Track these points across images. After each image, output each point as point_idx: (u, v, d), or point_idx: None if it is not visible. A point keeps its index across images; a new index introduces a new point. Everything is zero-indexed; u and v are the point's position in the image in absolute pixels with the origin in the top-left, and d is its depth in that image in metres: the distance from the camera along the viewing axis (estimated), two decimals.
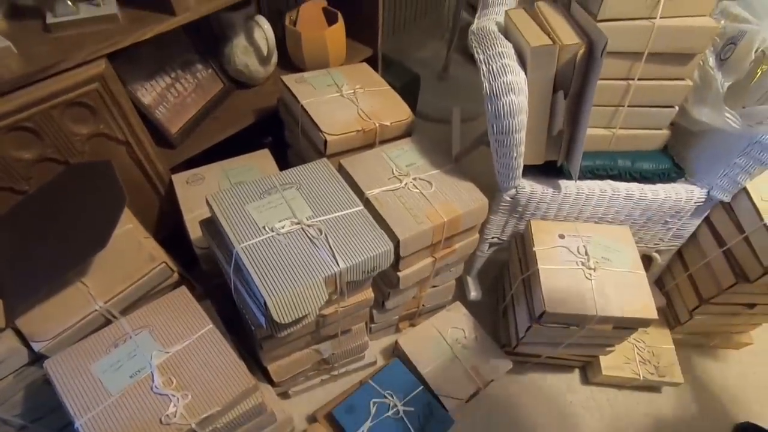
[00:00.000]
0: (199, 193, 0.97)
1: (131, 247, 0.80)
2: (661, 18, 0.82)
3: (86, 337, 0.73)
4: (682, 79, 0.91)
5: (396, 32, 1.83)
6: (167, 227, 1.06)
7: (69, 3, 0.75)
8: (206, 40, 1.09)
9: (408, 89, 1.35)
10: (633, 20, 0.82)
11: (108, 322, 0.77)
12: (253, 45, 1.06)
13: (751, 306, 1.10)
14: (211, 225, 0.80)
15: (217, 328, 0.78)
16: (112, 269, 0.78)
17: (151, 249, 0.81)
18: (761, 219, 0.96)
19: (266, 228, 0.74)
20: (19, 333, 0.72)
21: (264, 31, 1.02)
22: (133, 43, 0.78)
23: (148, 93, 0.95)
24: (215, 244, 0.79)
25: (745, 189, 0.99)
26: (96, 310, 0.75)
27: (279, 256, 0.71)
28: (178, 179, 1.00)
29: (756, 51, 0.84)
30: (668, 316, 1.24)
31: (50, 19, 0.76)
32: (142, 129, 0.89)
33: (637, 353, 1.17)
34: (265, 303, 0.68)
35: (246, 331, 0.90)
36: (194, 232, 0.92)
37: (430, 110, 1.68)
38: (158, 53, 0.97)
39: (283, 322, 0.70)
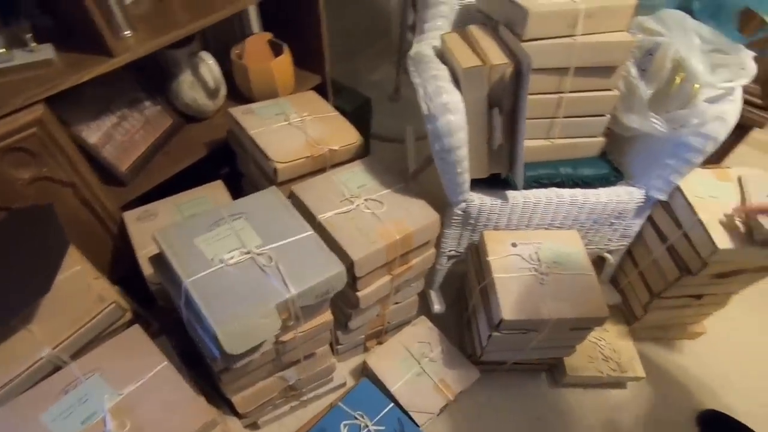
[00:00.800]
0: (151, 230, 0.95)
1: (79, 289, 0.79)
2: (581, 35, 0.87)
3: (35, 386, 0.71)
4: (609, 90, 0.97)
5: (347, 58, 1.88)
6: (123, 265, 1.05)
7: (2, 50, 0.75)
8: (153, 77, 1.10)
9: (360, 113, 1.38)
10: (556, 39, 0.87)
11: (58, 369, 0.75)
12: (199, 80, 1.08)
13: (699, 297, 1.16)
14: (160, 261, 0.80)
15: (174, 364, 0.78)
16: (60, 313, 0.77)
17: (100, 290, 0.80)
18: (695, 214, 1.01)
19: (215, 260, 0.74)
20: None
21: (209, 66, 1.04)
22: (74, 85, 0.79)
23: (93, 133, 0.95)
24: (166, 280, 0.79)
25: (679, 188, 1.05)
26: (43, 357, 0.73)
27: (228, 287, 0.72)
28: (130, 217, 0.99)
29: (671, 61, 0.91)
30: (625, 313, 1.28)
31: None
32: (88, 169, 0.89)
33: (599, 351, 1.20)
34: (216, 335, 0.68)
35: (208, 364, 0.89)
36: (147, 268, 0.91)
37: (384, 131, 1.72)
38: (102, 93, 0.98)
39: (235, 353, 0.70)
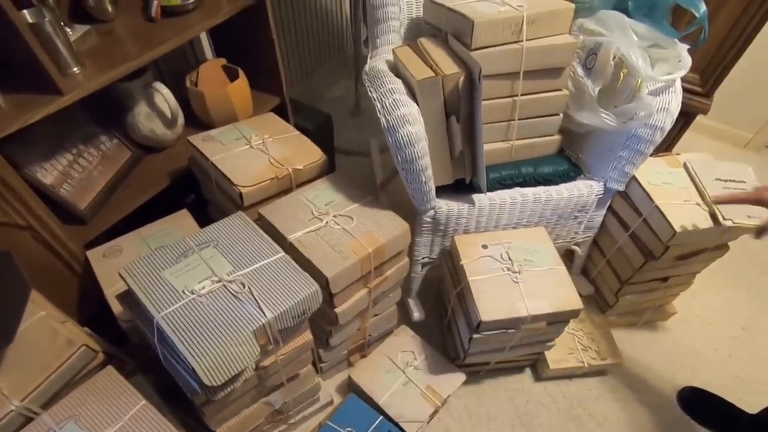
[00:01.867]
0: (117, 266, 0.93)
1: (45, 336, 0.76)
2: (527, 41, 0.91)
3: None
4: (559, 90, 1.01)
5: (306, 77, 1.89)
6: (91, 306, 1.02)
7: None
8: (108, 110, 1.08)
9: (322, 130, 1.39)
10: (503, 45, 0.91)
11: (30, 420, 0.72)
12: (155, 110, 1.07)
13: (665, 279, 1.20)
14: (129, 297, 0.78)
15: (153, 402, 0.76)
16: (27, 362, 0.74)
17: (68, 333, 0.78)
18: (652, 201, 1.06)
19: (185, 292, 0.73)
20: None
21: (164, 96, 1.03)
22: (24, 126, 0.77)
23: (48, 173, 0.93)
24: (137, 316, 0.77)
25: (634, 177, 1.10)
26: (12, 410, 0.70)
27: (202, 318, 0.71)
28: (94, 255, 0.97)
29: (613, 58, 0.95)
30: (599, 302, 1.32)
31: None
32: (45, 210, 0.86)
33: (578, 342, 1.24)
34: (193, 369, 0.66)
35: (189, 397, 0.87)
36: (117, 306, 0.89)
37: (349, 145, 1.74)
38: (55, 131, 0.95)
39: (215, 384, 0.69)
